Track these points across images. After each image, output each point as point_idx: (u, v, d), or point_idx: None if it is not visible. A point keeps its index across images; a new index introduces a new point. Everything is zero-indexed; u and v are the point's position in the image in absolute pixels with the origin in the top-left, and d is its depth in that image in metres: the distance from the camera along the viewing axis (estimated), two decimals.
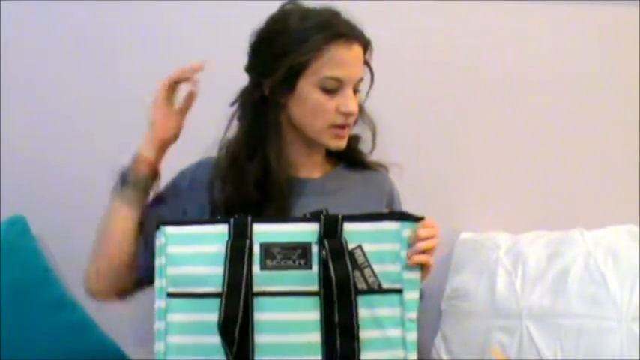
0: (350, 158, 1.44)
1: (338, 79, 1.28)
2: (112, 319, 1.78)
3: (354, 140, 1.43)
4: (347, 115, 1.30)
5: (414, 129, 1.82)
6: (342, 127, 1.32)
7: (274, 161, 1.32)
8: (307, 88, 1.29)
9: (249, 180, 1.31)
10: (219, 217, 1.20)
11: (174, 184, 1.40)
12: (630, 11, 1.85)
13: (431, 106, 1.86)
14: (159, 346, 1.15)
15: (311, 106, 1.30)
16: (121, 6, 1.80)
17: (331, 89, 1.29)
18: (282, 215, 1.29)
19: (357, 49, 1.30)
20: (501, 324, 1.68)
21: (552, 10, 1.85)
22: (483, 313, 1.72)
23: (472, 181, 1.88)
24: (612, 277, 1.61)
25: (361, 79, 1.33)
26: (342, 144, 1.34)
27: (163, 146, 1.36)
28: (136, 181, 1.33)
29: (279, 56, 1.28)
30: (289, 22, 1.30)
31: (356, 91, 1.33)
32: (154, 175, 1.36)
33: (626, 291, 1.59)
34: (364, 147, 1.45)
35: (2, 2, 1.78)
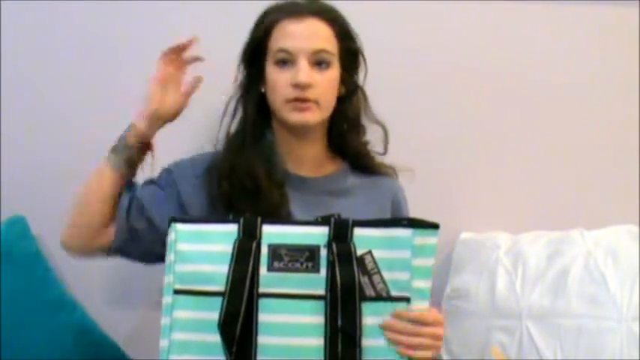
0: (356, 163, 1.43)
1: (286, 51, 1.30)
2: (112, 319, 1.78)
3: (362, 146, 1.42)
4: (298, 86, 1.28)
5: (414, 129, 1.81)
6: (299, 100, 1.30)
7: (257, 152, 1.34)
8: (268, 69, 1.33)
9: (240, 171, 1.32)
10: (230, 217, 1.19)
11: (169, 173, 1.40)
12: (630, 11, 1.85)
13: (431, 106, 1.86)
14: (163, 343, 1.14)
15: (271, 83, 1.32)
16: (121, 6, 1.80)
17: (282, 62, 1.30)
18: (273, 209, 1.29)
19: (309, 22, 1.31)
20: (501, 324, 1.68)
21: (552, 10, 1.85)
22: (483, 313, 1.72)
23: (472, 181, 1.88)
24: (612, 277, 1.61)
25: (321, 52, 1.30)
26: (302, 118, 1.31)
27: (158, 120, 1.37)
28: (123, 147, 1.35)
29: (245, 47, 1.36)
30: (257, 18, 1.36)
31: (318, 64, 1.30)
32: (145, 147, 1.37)
33: (626, 291, 1.59)
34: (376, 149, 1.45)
35: (2, 2, 1.78)
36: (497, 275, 1.73)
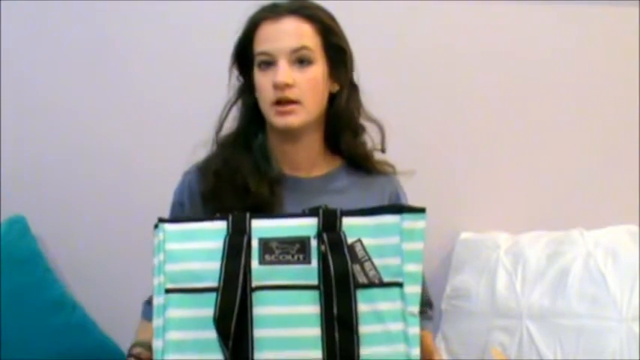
0: (353, 162, 1.43)
1: (266, 53, 1.30)
2: (112, 319, 1.78)
3: (359, 147, 1.41)
4: (276, 86, 1.28)
5: (414, 129, 1.82)
6: (280, 102, 1.29)
7: (248, 152, 1.35)
8: (255, 73, 1.33)
9: (230, 167, 1.33)
10: (217, 215, 1.20)
11: (179, 203, 1.40)
12: (630, 11, 1.85)
13: (431, 106, 1.86)
14: (157, 344, 1.14)
15: (257, 88, 1.32)
16: (121, 6, 1.80)
17: (264, 65, 1.30)
18: (263, 206, 1.29)
19: (287, 21, 1.30)
20: (501, 324, 1.68)
21: (552, 10, 1.85)
22: (483, 313, 1.72)
23: (472, 181, 1.88)
24: (612, 277, 1.61)
25: (300, 49, 1.29)
26: (285, 121, 1.30)
27: None
28: None
29: (233, 52, 1.37)
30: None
31: (299, 62, 1.29)
32: None
33: (626, 291, 1.59)
34: (373, 149, 1.44)
35: (2, 2, 1.78)
36: (497, 275, 1.73)
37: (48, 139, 1.82)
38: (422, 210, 1.18)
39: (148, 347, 1.26)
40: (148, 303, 1.41)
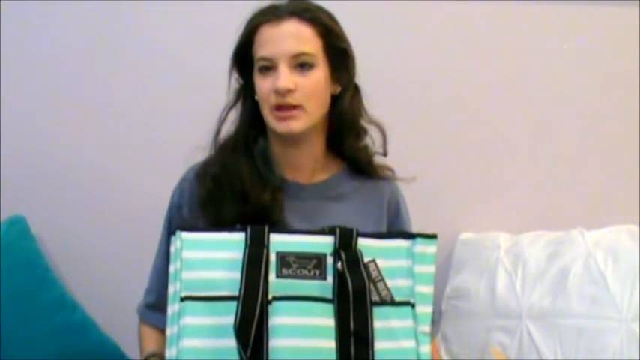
0: (354, 166, 1.41)
1: (266, 58, 1.28)
2: (112, 319, 1.78)
3: (361, 151, 1.40)
4: (277, 92, 1.26)
5: (414, 129, 1.82)
6: (281, 107, 1.28)
7: (248, 157, 1.33)
8: (255, 77, 1.31)
9: (230, 173, 1.32)
10: (237, 226, 1.20)
11: (177, 206, 1.38)
12: (630, 11, 1.85)
13: (431, 106, 1.86)
14: (171, 353, 1.13)
15: (258, 92, 1.31)
16: (121, 7, 1.80)
17: (265, 69, 1.28)
18: (263, 213, 1.29)
19: (287, 24, 1.28)
20: (501, 324, 1.68)
21: (552, 10, 1.85)
22: (483, 313, 1.72)
23: (472, 181, 1.88)
24: (612, 277, 1.61)
25: (300, 55, 1.27)
26: (286, 128, 1.28)
27: None
28: None
29: (232, 55, 1.35)
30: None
31: (300, 66, 1.27)
32: None
33: (626, 291, 1.59)
34: (375, 152, 1.43)
35: (2, 2, 1.78)
36: (497, 275, 1.73)
37: (48, 139, 1.82)
38: (433, 236, 1.22)
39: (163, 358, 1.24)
40: (146, 306, 1.40)
